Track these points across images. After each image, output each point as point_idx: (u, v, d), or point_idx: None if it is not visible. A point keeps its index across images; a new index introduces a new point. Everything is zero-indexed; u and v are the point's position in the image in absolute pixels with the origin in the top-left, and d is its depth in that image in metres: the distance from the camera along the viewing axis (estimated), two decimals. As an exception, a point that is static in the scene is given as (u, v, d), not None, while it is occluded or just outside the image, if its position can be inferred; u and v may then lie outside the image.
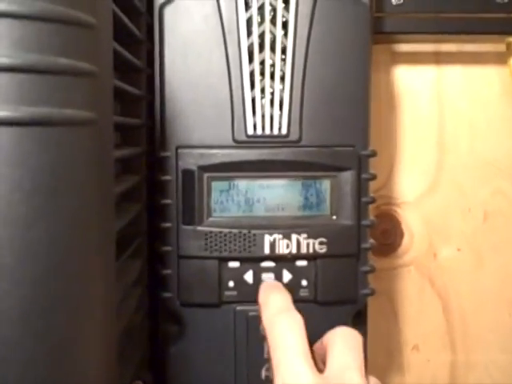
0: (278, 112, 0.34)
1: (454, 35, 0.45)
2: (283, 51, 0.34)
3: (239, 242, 0.34)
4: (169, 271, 0.34)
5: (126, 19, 0.31)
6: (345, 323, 0.35)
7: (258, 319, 0.35)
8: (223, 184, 0.34)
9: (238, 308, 0.35)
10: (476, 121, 0.47)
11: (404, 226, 0.47)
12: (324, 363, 0.28)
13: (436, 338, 0.48)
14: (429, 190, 0.47)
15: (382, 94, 0.46)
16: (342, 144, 0.35)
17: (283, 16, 0.34)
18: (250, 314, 0.35)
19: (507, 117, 0.47)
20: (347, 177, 0.35)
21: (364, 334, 0.37)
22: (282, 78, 0.34)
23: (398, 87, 0.47)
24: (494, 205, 0.47)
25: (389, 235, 0.47)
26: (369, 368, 0.42)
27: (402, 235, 0.47)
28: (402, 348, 0.48)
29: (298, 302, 0.35)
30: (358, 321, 0.37)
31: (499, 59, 0.46)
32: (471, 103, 0.47)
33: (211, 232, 0.34)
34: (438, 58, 0.47)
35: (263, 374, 0.35)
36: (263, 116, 0.34)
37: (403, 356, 0.48)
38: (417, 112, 0.47)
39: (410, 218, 0.47)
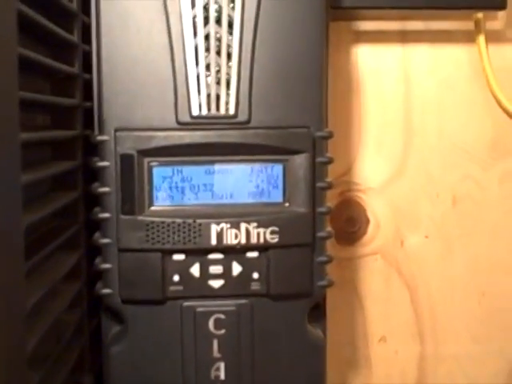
0: (225, 91, 0.32)
1: (420, 11, 0.42)
2: (230, 25, 0.32)
3: (184, 232, 0.31)
4: (108, 265, 0.32)
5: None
6: (301, 317, 0.33)
7: (206, 315, 0.32)
8: (165, 170, 0.32)
9: (185, 304, 0.32)
10: (444, 102, 0.45)
11: (369, 213, 0.46)
12: None
13: (404, 328, 0.47)
14: (395, 175, 0.46)
15: (345, 75, 0.44)
16: (295, 125, 0.32)
17: (230, -14, 0.32)
18: (198, 309, 0.32)
19: (477, 98, 0.45)
20: (301, 160, 0.32)
21: (323, 328, 0.35)
22: (229, 54, 0.32)
23: (361, 67, 0.45)
24: (462, 189, 0.46)
25: (354, 223, 0.45)
26: (335, 361, 0.41)
27: (367, 222, 0.46)
28: (369, 340, 0.46)
29: (250, 297, 0.32)
30: (317, 314, 0.34)
31: (468, 38, 0.44)
32: (439, 84, 0.45)
33: (153, 222, 0.31)
34: (403, 37, 0.45)
35: (212, 374, 0.33)
36: (209, 95, 0.32)
37: (370, 348, 0.47)
38: (382, 94, 0.45)
39: (376, 205, 0.46)
